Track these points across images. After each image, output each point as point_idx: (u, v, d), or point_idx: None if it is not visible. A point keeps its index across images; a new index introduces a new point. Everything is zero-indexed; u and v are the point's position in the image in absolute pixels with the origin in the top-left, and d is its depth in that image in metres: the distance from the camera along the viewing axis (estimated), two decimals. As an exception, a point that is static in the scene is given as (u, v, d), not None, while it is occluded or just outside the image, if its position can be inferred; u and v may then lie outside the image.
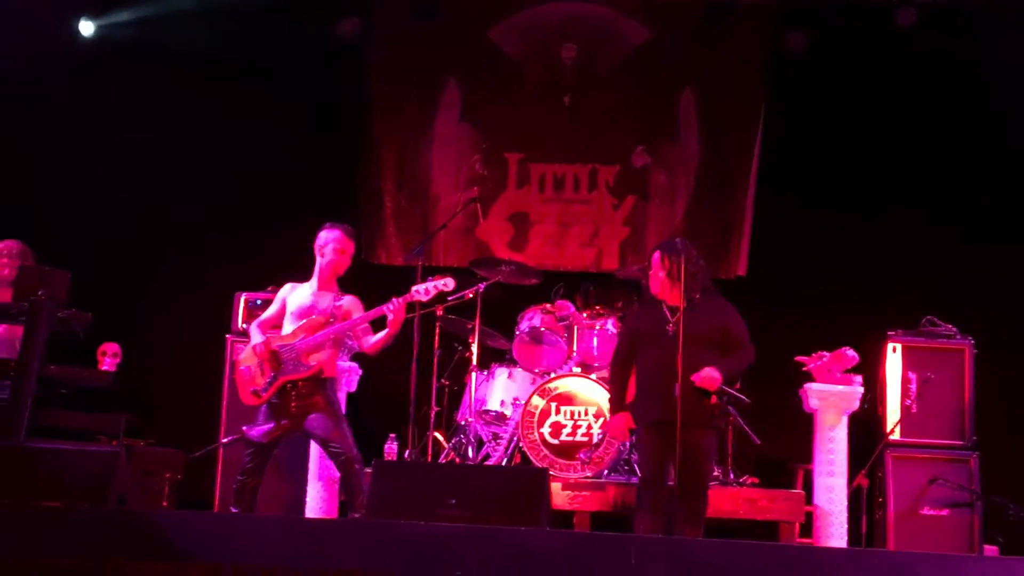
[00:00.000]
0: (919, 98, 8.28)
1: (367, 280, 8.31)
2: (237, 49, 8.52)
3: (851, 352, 6.78)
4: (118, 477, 6.72)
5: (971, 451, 6.90)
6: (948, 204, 8.19)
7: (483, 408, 7.29)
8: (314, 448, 6.83)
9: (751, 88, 8.66)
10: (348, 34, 8.70)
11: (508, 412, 7.21)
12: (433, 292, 6.08)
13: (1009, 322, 7.40)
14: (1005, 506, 6.67)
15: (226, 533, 4.53)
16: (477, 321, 7.39)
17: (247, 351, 6.12)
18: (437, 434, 7.31)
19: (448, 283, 6.07)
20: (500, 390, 7.32)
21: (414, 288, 6.01)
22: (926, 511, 6.84)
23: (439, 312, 7.41)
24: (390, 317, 5.91)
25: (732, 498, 6.77)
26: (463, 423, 7.36)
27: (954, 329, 7.10)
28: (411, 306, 6.22)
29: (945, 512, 6.81)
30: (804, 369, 6.90)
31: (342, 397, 6.83)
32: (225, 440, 7.02)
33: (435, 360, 7.38)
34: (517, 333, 7.42)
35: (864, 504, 6.94)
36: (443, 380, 7.53)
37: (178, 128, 8.45)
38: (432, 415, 7.28)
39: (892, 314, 7.33)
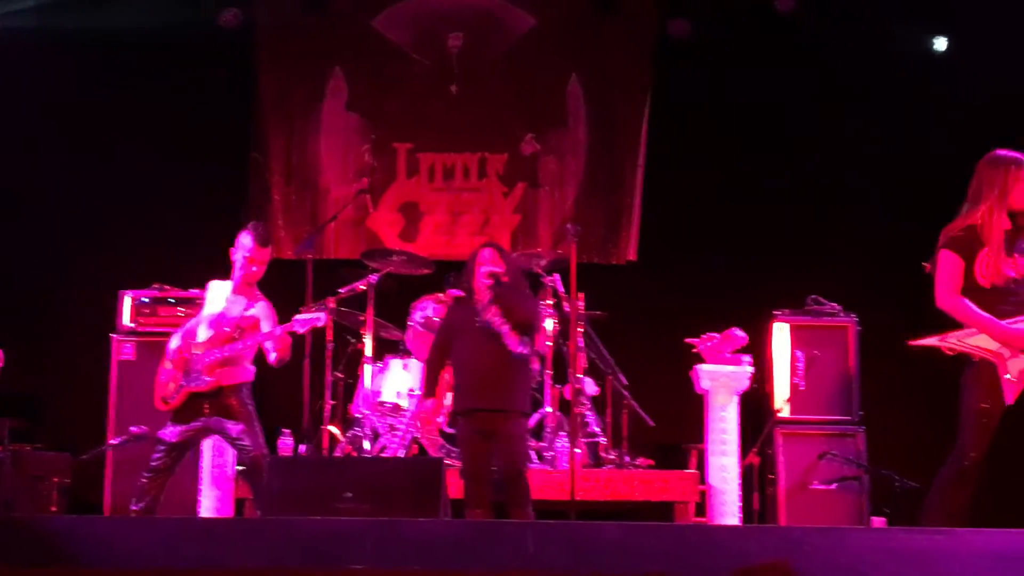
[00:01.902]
0: (800, 83, 8.44)
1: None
2: (120, 35, 8.33)
3: (739, 332, 6.91)
4: (3, 483, 6.56)
5: (857, 426, 7.08)
6: (831, 186, 8.37)
7: (378, 400, 7.26)
8: (207, 447, 6.74)
9: (637, 75, 8.73)
10: (229, 24, 8.55)
11: (404, 403, 7.19)
12: (308, 327, 6.08)
13: (889, 299, 7.59)
14: (891, 478, 6.84)
15: (119, 537, 4.44)
16: (370, 313, 7.36)
17: (166, 350, 6.03)
18: (332, 428, 7.25)
19: (321, 319, 6.08)
20: (395, 381, 7.29)
21: (296, 318, 5.98)
22: (816, 486, 7.01)
23: (331, 305, 7.35)
24: (300, 330, 5.92)
25: (628, 480, 6.85)
26: (358, 416, 7.32)
27: (838, 307, 7.27)
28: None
29: (834, 486, 6.98)
30: (694, 351, 7.01)
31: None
32: (114, 441, 6.88)
33: (328, 353, 7.32)
34: (410, 324, 7.39)
35: (756, 481, 7.09)
36: (337, 373, 7.47)
37: (59, 118, 8.25)
38: (327, 409, 7.23)
39: (779, 294, 7.48)
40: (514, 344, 5.81)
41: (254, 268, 6.05)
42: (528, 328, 5.95)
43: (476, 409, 5.86)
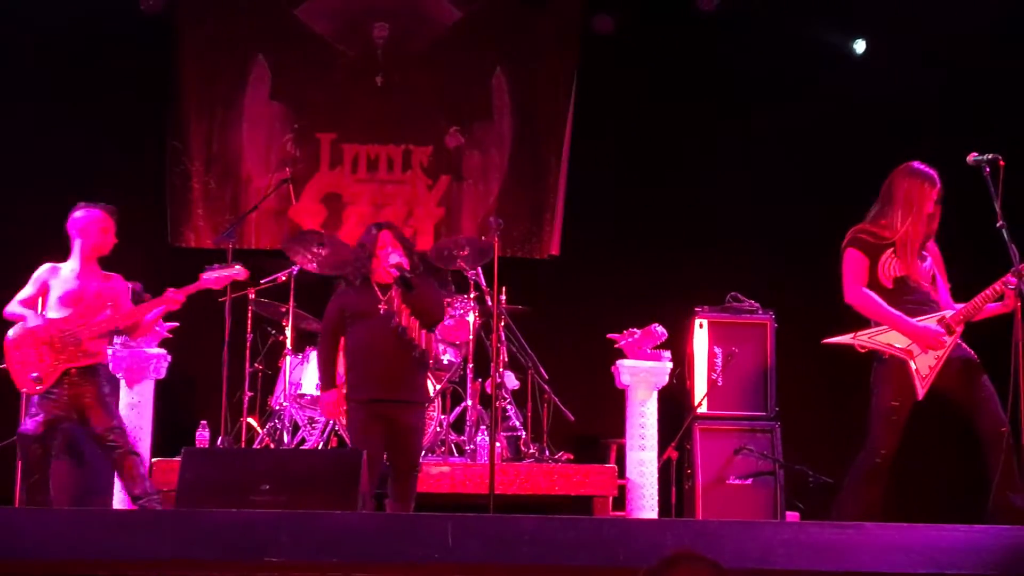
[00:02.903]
0: (723, 81, 8.53)
1: (175, 265, 8.11)
2: (39, 18, 8.15)
3: (660, 328, 6.97)
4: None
5: (773, 421, 7.17)
6: (751, 184, 8.47)
7: (298, 392, 7.21)
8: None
9: (562, 69, 8.76)
10: (151, 9, 8.42)
11: (324, 395, 7.14)
12: (226, 281, 6.04)
13: (805, 297, 7.71)
14: (805, 473, 6.95)
15: (32, 528, 4.36)
16: (291, 304, 7.31)
17: (18, 332, 5.90)
18: (251, 420, 7.19)
19: (238, 270, 6.03)
20: (315, 374, 7.22)
21: (204, 276, 5.94)
22: (732, 480, 7.09)
23: (251, 296, 7.30)
24: (215, 286, 5.93)
25: (548, 474, 6.88)
26: (278, 408, 7.27)
27: (757, 305, 7.36)
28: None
29: (749, 481, 7.07)
30: (616, 346, 7.06)
31: (150, 386, 6.68)
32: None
33: (248, 344, 7.27)
34: (332, 315, 7.34)
35: (674, 476, 7.15)
36: (256, 365, 7.41)
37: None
38: (246, 400, 7.17)
39: (699, 291, 7.55)
40: (421, 341, 5.75)
41: (109, 237, 6.05)
42: (434, 323, 5.93)
43: (378, 399, 5.70)
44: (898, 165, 5.67)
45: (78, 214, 6.07)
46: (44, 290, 6.01)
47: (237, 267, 6.13)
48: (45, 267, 6.08)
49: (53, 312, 5.94)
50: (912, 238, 5.53)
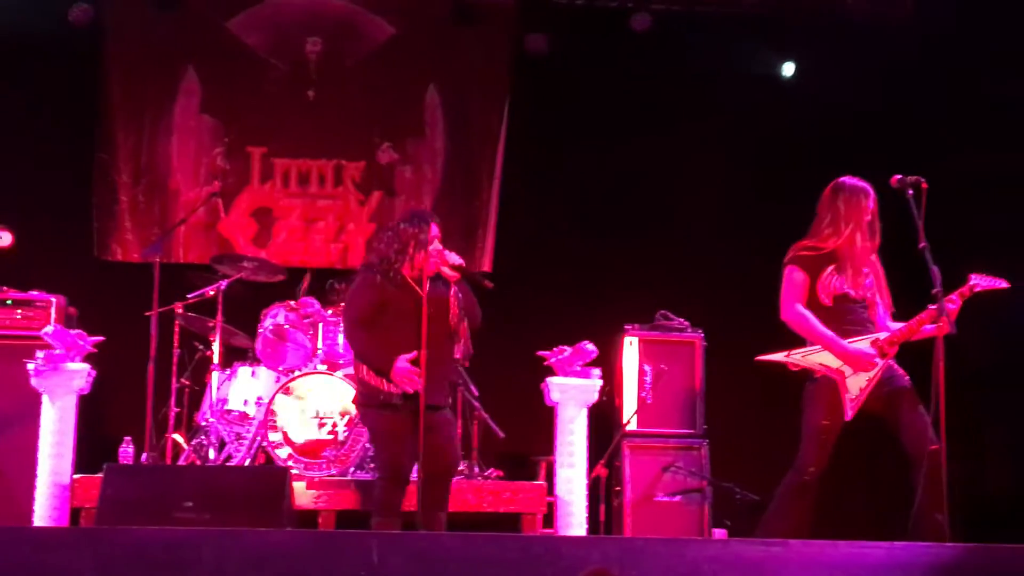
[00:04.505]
0: (653, 99, 8.60)
1: (102, 278, 8.02)
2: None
3: (590, 346, 6.98)
4: None
5: (701, 439, 7.22)
6: (683, 202, 8.54)
7: (225, 408, 7.13)
8: (45, 455, 6.52)
9: (495, 88, 8.77)
10: (79, 20, 8.30)
11: (251, 412, 7.07)
12: None
13: (734, 316, 7.78)
14: (732, 491, 6.99)
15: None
16: (219, 319, 7.22)
17: None
18: (177, 436, 7.09)
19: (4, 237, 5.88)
20: (243, 389, 7.16)
21: None
22: (660, 498, 7.12)
23: (179, 310, 7.21)
24: None
25: (477, 491, 6.86)
26: (204, 424, 7.18)
27: (686, 323, 7.41)
28: None
29: (678, 498, 7.10)
30: (546, 363, 7.06)
31: (73, 401, 6.55)
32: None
33: (174, 360, 7.17)
34: (260, 331, 7.28)
35: (603, 493, 7.17)
36: (183, 380, 7.31)
37: None
38: (172, 416, 7.07)
39: (630, 309, 7.58)
40: (471, 345, 5.60)
41: None
42: (478, 326, 5.71)
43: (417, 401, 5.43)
44: (828, 182, 5.74)
45: None
46: None
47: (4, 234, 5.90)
48: None
49: None
50: (853, 252, 5.59)
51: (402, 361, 5.45)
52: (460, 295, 5.63)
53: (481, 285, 5.62)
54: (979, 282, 5.56)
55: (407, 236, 5.63)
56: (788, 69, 8.82)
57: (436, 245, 5.61)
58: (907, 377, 5.63)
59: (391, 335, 5.52)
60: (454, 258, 5.59)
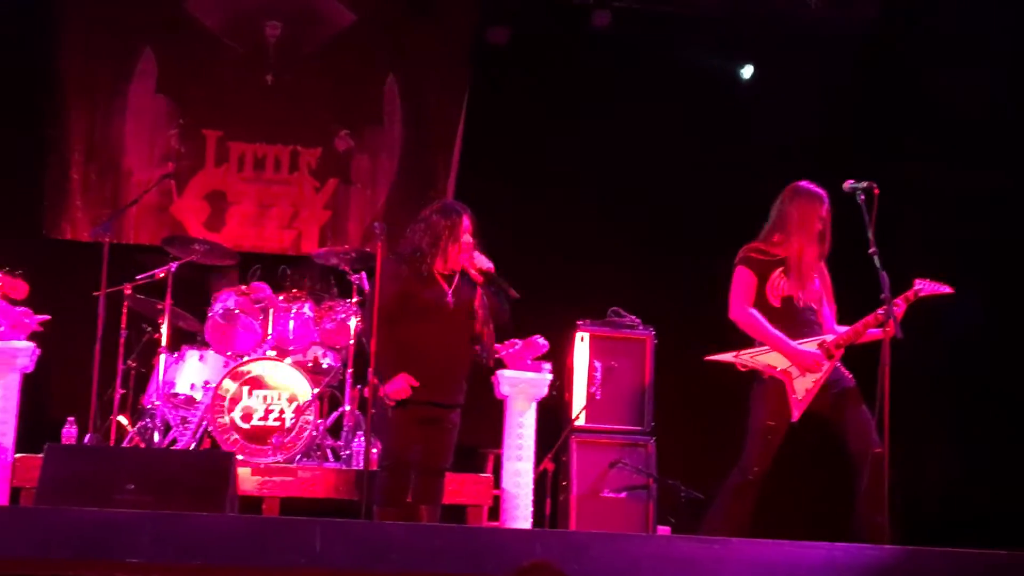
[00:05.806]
0: (614, 96, 8.62)
1: (50, 256, 7.92)
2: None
3: (541, 340, 6.98)
4: None
5: (649, 436, 7.24)
6: (636, 198, 8.56)
7: (172, 391, 7.07)
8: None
9: (454, 78, 8.75)
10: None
11: (198, 396, 7.03)
12: None
13: (685, 314, 7.81)
14: (677, 488, 7.03)
15: None
16: (168, 301, 7.16)
17: None
18: (122, 418, 7.02)
19: None
20: (190, 373, 7.12)
21: None
22: (606, 493, 7.13)
23: (127, 291, 7.13)
24: None
25: (423, 482, 6.84)
26: (150, 407, 7.11)
27: (638, 320, 7.42)
28: None
29: (623, 494, 7.12)
30: (496, 356, 7.04)
31: (16, 380, 6.46)
32: None
33: (121, 341, 7.10)
34: (210, 315, 7.22)
35: (549, 487, 7.18)
36: (130, 362, 7.24)
37: None
38: (117, 398, 7.00)
39: (582, 304, 7.59)
40: (494, 349, 5.59)
41: None
42: (502, 329, 5.72)
43: (431, 403, 5.46)
44: (784, 186, 5.77)
45: None
46: None
47: None
48: None
49: None
50: (802, 257, 5.64)
51: (402, 381, 5.42)
52: (485, 298, 5.59)
53: (507, 292, 5.58)
54: (924, 287, 5.63)
55: (440, 228, 5.54)
56: (747, 71, 8.87)
57: (467, 238, 5.54)
58: (852, 379, 5.69)
59: (410, 333, 5.47)
60: (484, 262, 5.54)
